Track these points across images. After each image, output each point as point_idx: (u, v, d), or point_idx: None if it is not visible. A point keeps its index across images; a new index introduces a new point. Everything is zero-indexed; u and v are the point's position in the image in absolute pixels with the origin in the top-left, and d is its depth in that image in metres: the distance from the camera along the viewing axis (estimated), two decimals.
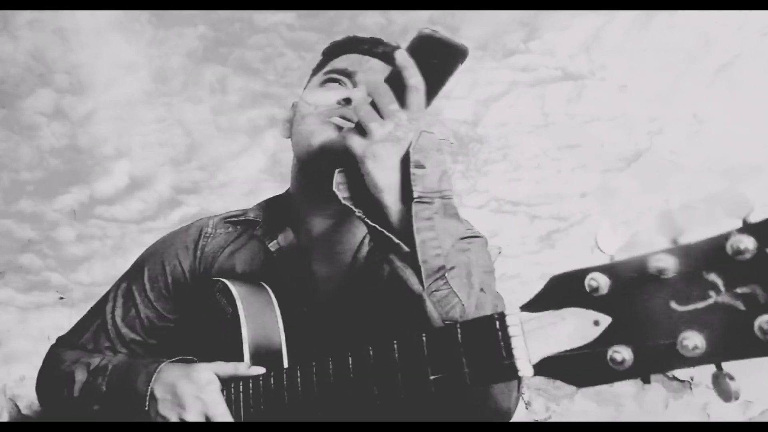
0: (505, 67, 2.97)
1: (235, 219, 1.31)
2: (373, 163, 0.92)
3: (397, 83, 0.93)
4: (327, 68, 1.22)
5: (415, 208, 0.91)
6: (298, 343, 1.09)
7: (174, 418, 0.99)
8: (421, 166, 0.93)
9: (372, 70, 1.18)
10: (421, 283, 0.90)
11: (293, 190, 1.27)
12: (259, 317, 1.08)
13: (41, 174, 3.06)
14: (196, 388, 1.00)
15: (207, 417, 0.98)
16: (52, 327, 2.63)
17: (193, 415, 0.98)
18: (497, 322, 0.73)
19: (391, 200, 0.93)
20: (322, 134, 1.12)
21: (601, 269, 0.67)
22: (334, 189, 0.97)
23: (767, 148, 2.67)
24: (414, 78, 0.92)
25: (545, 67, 2.99)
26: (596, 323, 0.66)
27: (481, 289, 0.98)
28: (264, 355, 1.05)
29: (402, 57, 0.92)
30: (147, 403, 1.02)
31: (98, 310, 1.33)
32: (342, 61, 1.21)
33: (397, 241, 0.91)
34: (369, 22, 3.11)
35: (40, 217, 3.00)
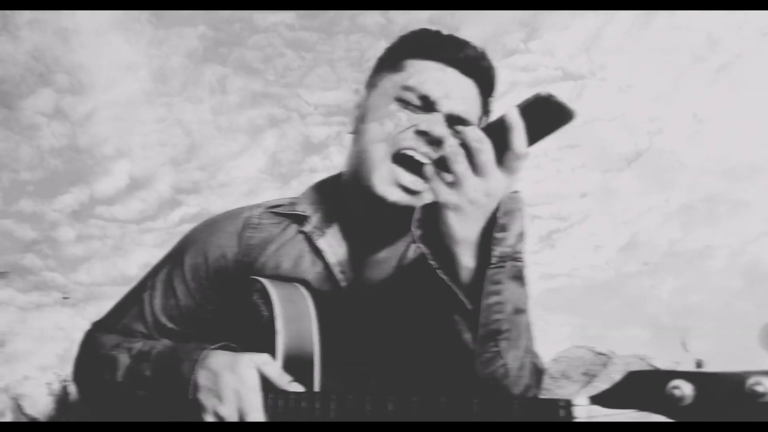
0: (505, 67, 2.97)
1: (283, 211, 1.27)
2: (456, 217, 0.91)
3: (497, 134, 0.90)
4: (403, 80, 1.15)
5: (489, 272, 0.91)
6: (333, 354, 1.08)
7: (209, 407, 0.99)
8: (504, 230, 0.92)
9: (452, 90, 1.13)
10: (474, 341, 0.91)
11: (346, 185, 1.23)
12: (296, 325, 1.07)
13: (41, 174, 3.06)
14: (237, 381, 0.99)
15: (240, 412, 0.98)
16: (53, 327, 2.63)
17: (227, 409, 0.98)
18: (562, 411, 0.69)
19: (465, 256, 0.92)
20: (383, 185, 1.10)
21: (688, 377, 0.62)
22: (413, 228, 0.96)
23: (767, 148, 2.67)
24: (519, 143, 0.90)
25: (545, 67, 2.99)
26: None
27: (527, 350, 0.98)
28: (296, 364, 1.04)
29: (512, 118, 0.91)
30: (191, 391, 1.02)
31: (136, 296, 1.30)
32: (418, 74, 1.15)
33: (463, 298, 0.91)
34: (369, 22, 3.11)
35: (40, 217, 3.00)
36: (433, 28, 1.22)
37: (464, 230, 0.91)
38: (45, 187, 3.04)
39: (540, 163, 2.90)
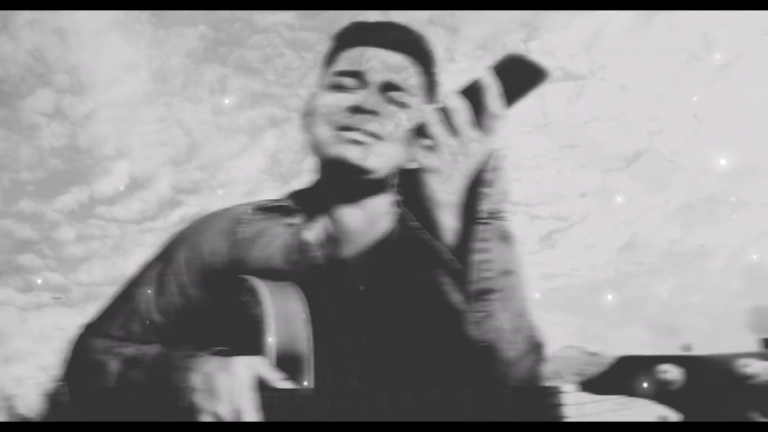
0: None
1: (272, 207, 1.30)
2: (437, 179, 0.93)
3: (473, 96, 0.92)
4: (334, 67, 1.23)
5: (477, 228, 0.92)
6: (325, 347, 1.09)
7: (205, 408, 1.00)
8: (490, 186, 0.94)
9: (381, 64, 1.19)
10: (465, 301, 0.91)
11: (320, 181, 1.28)
12: (287, 323, 1.08)
13: (41, 174, 3.06)
14: (232, 381, 1.01)
15: (237, 412, 0.99)
16: (52, 327, 2.63)
17: (224, 408, 0.99)
18: (551, 398, 0.68)
19: (448, 217, 0.93)
20: (334, 146, 1.15)
21: (676, 361, 0.62)
22: (395, 193, 0.98)
23: (767, 148, 2.67)
24: (496, 103, 0.91)
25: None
26: (663, 419, 0.63)
27: (520, 313, 0.98)
28: (289, 362, 1.05)
29: (487, 79, 0.92)
30: (184, 400, 1.03)
31: (128, 294, 1.30)
32: (348, 59, 1.22)
33: (449, 257, 0.93)
34: None
35: (40, 217, 3.00)
36: (388, 19, 1.32)
37: (445, 192, 0.93)
38: (45, 187, 3.05)
39: (540, 163, 2.90)
